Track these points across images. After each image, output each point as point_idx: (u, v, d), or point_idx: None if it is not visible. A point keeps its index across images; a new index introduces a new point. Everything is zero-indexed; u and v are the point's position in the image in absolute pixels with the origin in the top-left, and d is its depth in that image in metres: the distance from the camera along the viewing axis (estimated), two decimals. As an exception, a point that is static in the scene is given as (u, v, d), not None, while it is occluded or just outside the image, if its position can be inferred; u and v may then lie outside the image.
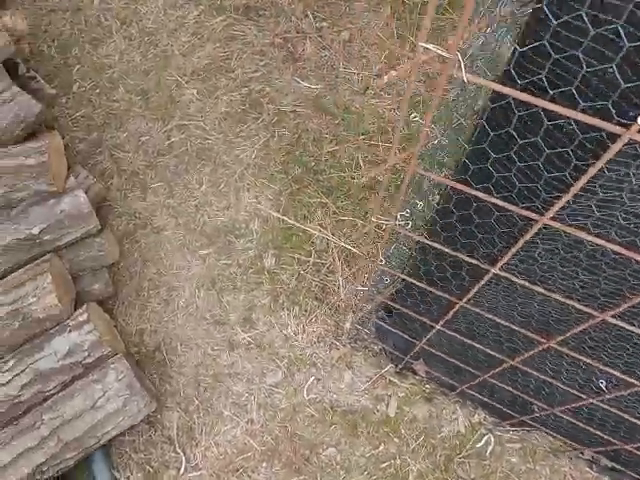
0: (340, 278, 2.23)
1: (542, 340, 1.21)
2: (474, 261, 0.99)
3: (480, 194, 0.80)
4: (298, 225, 2.35)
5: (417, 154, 0.87)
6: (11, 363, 1.79)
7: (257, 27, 3.03)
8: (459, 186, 0.82)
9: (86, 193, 2.20)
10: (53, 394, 1.81)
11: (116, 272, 2.29)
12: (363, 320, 1.95)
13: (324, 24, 3.11)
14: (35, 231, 1.85)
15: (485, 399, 1.86)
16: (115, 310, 2.22)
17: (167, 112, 2.70)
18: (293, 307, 2.22)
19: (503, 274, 0.99)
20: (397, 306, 1.52)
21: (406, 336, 1.76)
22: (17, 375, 1.78)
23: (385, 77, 1.05)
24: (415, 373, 2.06)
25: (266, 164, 2.54)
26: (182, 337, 2.19)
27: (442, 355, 1.70)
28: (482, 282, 1.05)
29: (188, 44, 2.94)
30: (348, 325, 1.95)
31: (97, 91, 2.79)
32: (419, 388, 2.10)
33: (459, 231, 0.98)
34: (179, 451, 1.99)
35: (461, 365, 1.67)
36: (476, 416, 2.08)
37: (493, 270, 0.98)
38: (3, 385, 1.76)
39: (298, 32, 3.08)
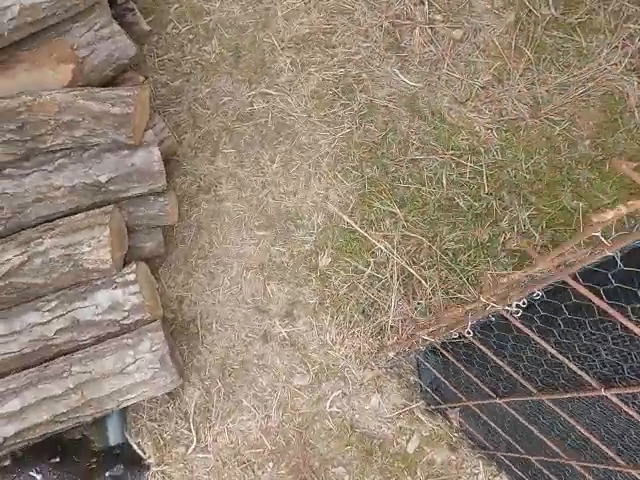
0: (393, 298, 2.11)
1: (622, 463, 1.07)
2: (585, 376, 0.85)
3: (637, 329, 0.66)
4: (362, 231, 2.22)
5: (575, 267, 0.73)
6: (53, 304, 1.77)
7: (368, 4, 2.82)
8: (611, 311, 0.68)
9: (159, 145, 2.12)
10: (85, 345, 1.79)
11: (169, 232, 2.23)
12: (407, 351, 1.83)
13: (438, 16, 2.87)
14: (103, 179, 1.79)
15: (516, 470, 1.74)
16: (160, 270, 2.18)
17: (255, 76, 2.57)
18: (337, 315, 2.12)
19: (616, 401, 0.85)
20: (458, 364, 1.39)
21: (451, 387, 1.64)
22: (56, 318, 1.76)
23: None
24: (447, 418, 1.95)
25: (344, 157, 2.40)
26: (220, 315, 2.14)
27: (486, 418, 1.57)
28: (582, 395, 0.91)
29: (292, 7, 2.77)
30: (392, 354, 1.84)
31: (190, 37, 2.67)
32: (446, 433, 2.00)
33: (581, 345, 0.84)
34: (192, 429, 1.97)
35: (505, 435, 1.55)
36: (498, 478, 1.97)
37: (605, 393, 0.85)
38: (41, 324, 1.75)
39: (409, 19, 2.85)
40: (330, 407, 2.05)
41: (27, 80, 1.71)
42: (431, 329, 1.24)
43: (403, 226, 2.27)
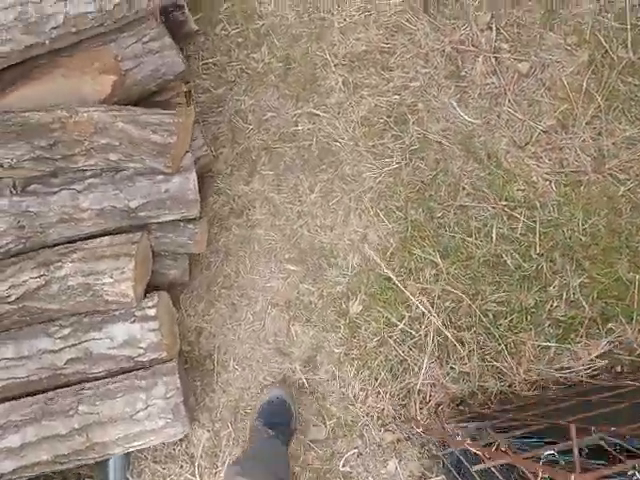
0: (425, 360, 1.96)
1: None
2: None
3: None
4: (400, 285, 2.06)
5: None
6: (66, 332, 1.66)
7: (431, 25, 2.61)
8: None
9: (195, 162, 1.98)
10: (96, 378, 1.67)
11: (195, 256, 2.09)
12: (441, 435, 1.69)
13: (504, 45, 2.66)
14: (133, 204, 1.65)
15: None
16: (182, 297, 2.05)
17: (304, 93, 2.39)
18: (363, 370, 1.98)
19: None
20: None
21: (484, 481, 1.50)
22: (68, 347, 1.65)
23: None
24: (468, 500, 1.81)
25: (389, 194, 2.23)
26: (238, 352, 2.01)
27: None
28: None
29: (350, 20, 2.57)
30: (420, 430, 1.71)
31: (239, 41, 2.49)
32: (463, 512, 1.87)
33: None
34: (196, 475, 1.86)
35: None
36: None
37: None
38: (52, 352, 1.64)
39: (473, 45, 2.64)
40: (343, 466, 1.93)
41: (63, 87, 1.57)
42: (485, 453, 1.10)
43: (444, 279, 2.11)
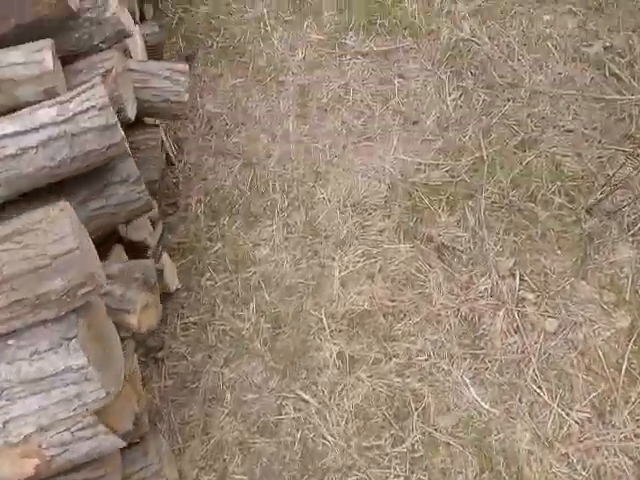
0: None
1: None
2: None
3: None
4: None
5: None
6: None
7: (445, 273, 2.31)
8: None
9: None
10: None
11: None
12: None
13: (529, 296, 2.32)
14: None
15: None
16: None
17: (292, 368, 2.08)
18: None
19: None
20: None
21: None
22: None
23: None
24: None
25: (383, 520, 1.84)
26: None
27: None
28: None
29: (354, 268, 2.30)
30: None
31: (225, 294, 2.23)
32: None
33: None
34: None
35: None
36: None
37: None
38: None
39: (492, 296, 2.31)
40: None
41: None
42: None
43: None
